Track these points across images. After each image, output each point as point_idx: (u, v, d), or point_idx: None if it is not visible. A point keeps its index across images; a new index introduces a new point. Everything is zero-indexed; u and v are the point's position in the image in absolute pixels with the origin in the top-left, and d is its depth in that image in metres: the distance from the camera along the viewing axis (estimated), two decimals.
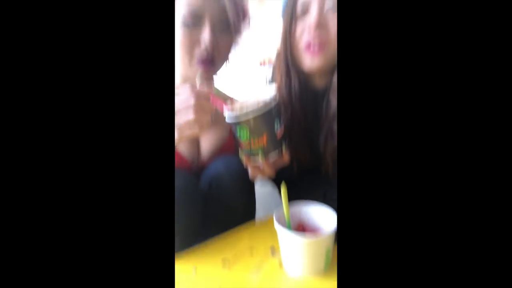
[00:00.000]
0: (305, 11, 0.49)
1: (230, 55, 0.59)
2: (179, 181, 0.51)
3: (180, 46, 0.52)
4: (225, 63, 0.59)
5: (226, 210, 0.57)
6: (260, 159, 0.46)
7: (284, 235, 0.41)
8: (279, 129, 0.45)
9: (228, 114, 0.43)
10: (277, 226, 0.41)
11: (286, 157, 0.48)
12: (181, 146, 0.60)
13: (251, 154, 0.47)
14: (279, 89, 0.59)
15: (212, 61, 0.53)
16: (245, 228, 0.56)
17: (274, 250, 0.47)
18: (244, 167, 0.50)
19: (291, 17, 0.51)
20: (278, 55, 0.57)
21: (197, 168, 0.62)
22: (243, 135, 0.44)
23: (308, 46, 0.49)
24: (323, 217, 0.44)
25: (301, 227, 0.46)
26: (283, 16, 0.54)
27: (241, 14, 0.55)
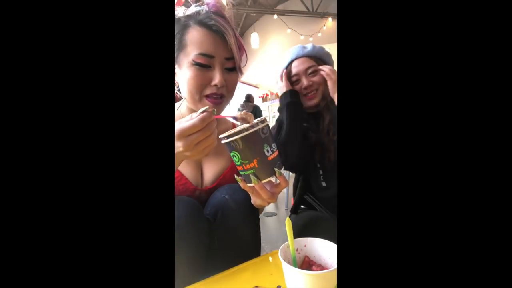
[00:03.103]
0: (297, 79, 0.87)
1: (235, 91, 0.65)
2: (183, 209, 0.51)
3: (191, 85, 0.56)
4: (230, 98, 0.65)
5: (233, 241, 0.56)
6: (253, 182, 0.47)
7: (289, 271, 0.39)
8: (271, 153, 0.47)
9: (220, 136, 0.46)
10: (282, 262, 0.39)
11: (283, 181, 0.50)
12: (186, 170, 0.63)
13: (245, 177, 0.49)
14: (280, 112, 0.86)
15: (222, 97, 0.59)
16: (250, 264, 0.53)
17: None
18: (243, 191, 0.51)
19: (289, 80, 0.88)
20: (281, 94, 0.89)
21: (200, 192, 0.64)
22: (236, 158, 0.47)
23: (306, 95, 0.86)
24: (329, 252, 0.43)
25: (307, 262, 0.44)
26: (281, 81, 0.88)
27: (242, 54, 0.62)
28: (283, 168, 0.50)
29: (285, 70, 0.90)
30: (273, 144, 0.48)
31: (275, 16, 4.67)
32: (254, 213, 0.59)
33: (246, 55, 0.65)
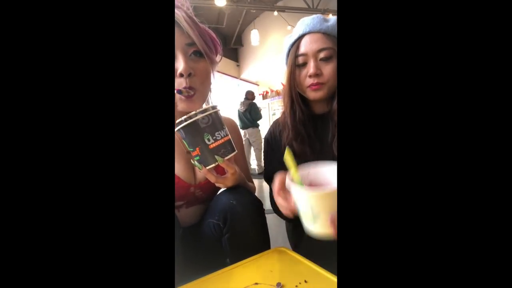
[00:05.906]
0: (304, 62, 0.65)
1: (211, 82, 0.63)
2: None
3: None
4: (208, 90, 0.63)
5: (244, 244, 0.58)
6: (198, 167, 0.52)
7: (297, 191, 0.40)
8: (213, 142, 0.50)
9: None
10: (292, 187, 0.40)
11: (229, 167, 0.54)
12: (176, 168, 0.64)
13: (194, 161, 0.54)
14: (284, 114, 0.72)
15: (191, 87, 0.56)
16: (250, 261, 0.53)
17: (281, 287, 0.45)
18: (248, 194, 0.54)
19: (293, 66, 0.67)
20: (284, 90, 0.72)
21: (195, 189, 0.65)
22: (185, 144, 0.52)
23: (310, 86, 0.65)
24: (333, 174, 0.43)
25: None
26: (287, 63, 0.69)
27: (211, 43, 0.60)
28: (230, 155, 0.52)
29: (291, 52, 0.65)
30: (217, 133, 0.50)
31: (275, 13, 4.64)
32: (262, 215, 0.61)
33: (220, 45, 0.64)
